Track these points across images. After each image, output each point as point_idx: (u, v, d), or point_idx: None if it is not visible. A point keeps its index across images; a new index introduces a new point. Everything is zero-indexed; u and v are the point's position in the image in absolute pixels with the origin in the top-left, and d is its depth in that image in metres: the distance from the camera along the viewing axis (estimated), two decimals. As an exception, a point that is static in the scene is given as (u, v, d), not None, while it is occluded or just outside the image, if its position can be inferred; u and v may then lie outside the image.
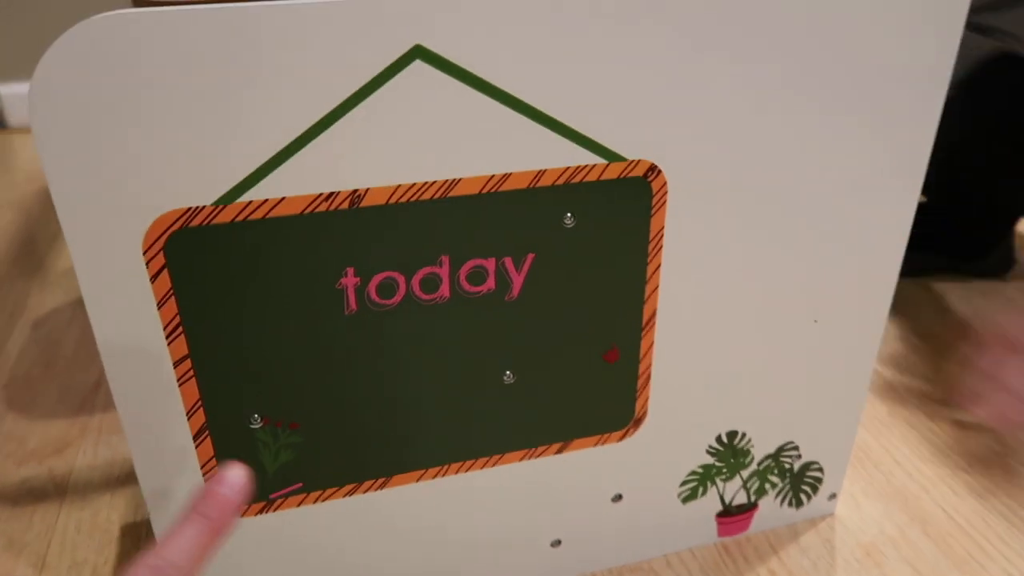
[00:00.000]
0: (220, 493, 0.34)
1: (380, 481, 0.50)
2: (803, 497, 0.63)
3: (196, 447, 0.45)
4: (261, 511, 0.48)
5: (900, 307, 0.95)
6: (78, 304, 0.99)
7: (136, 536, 0.64)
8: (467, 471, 0.52)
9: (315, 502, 0.49)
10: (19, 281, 1.05)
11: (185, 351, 0.42)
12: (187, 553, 0.32)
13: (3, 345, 0.90)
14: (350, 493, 0.50)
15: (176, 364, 0.42)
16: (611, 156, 0.44)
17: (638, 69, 0.42)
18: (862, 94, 0.46)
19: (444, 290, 0.45)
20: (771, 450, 0.59)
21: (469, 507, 0.53)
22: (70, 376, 0.85)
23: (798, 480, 0.62)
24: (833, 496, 0.64)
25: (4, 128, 1.67)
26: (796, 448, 0.60)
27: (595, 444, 0.54)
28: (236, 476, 0.35)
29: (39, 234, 1.19)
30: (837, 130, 0.47)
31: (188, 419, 0.44)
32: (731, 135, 0.45)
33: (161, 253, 0.39)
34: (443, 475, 0.51)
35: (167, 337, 0.41)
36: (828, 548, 0.62)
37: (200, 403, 0.44)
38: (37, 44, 1.60)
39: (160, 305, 0.40)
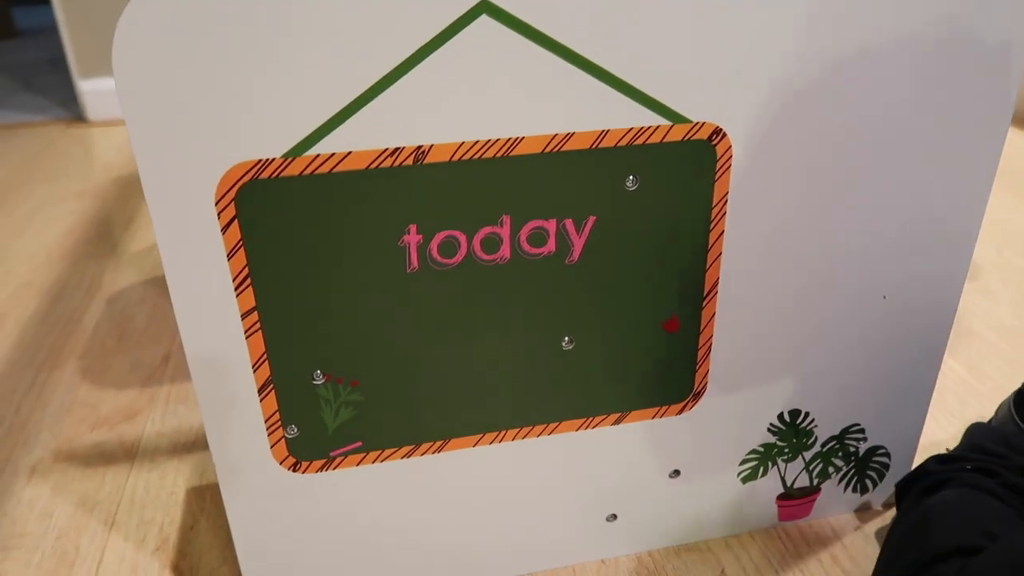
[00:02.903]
0: None
1: (437, 444, 0.50)
2: (868, 483, 0.61)
3: (260, 401, 0.46)
4: (321, 468, 0.49)
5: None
6: (150, 283, 1.03)
7: (201, 499, 0.66)
8: (523, 438, 0.52)
9: (373, 462, 0.50)
10: (95, 261, 1.09)
11: (252, 303, 0.43)
12: None
13: (80, 319, 0.94)
14: (408, 455, 0.50)
15: (244, 316, 0.43)
16: (675, 117, 0.43)
17: (705, 29, 0.41)
18: (943, 53, 0.45)
19: (505, 251, 0.45)
20: (836, 432, 0.58)
21: (525, 475, 0.53)
22: (141, 349, 0.88)
23: (863, 465, 0.60)
24: (900, 484, 0.62)
25: (84, 122, 1.74)
26: (862, 431, 0.58)
27: (653, 416, 0.53)
28: None
29: (114, 219, 1.23)
30: (914, 96, 0.46)
31: (254, 372, 0.45)
32: (800, 99, 0.44)
33: (232, 204, 0.40)
34: (499, 441, 0.51)
35: (236, 289, 0.43)
36: (894, 536, 0.60)
37: (265, 357, 0.45)
38: (116, 41, 1.66)
39: (230, 256, 0.42)
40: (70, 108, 1.83)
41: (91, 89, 1.72)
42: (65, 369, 0.84)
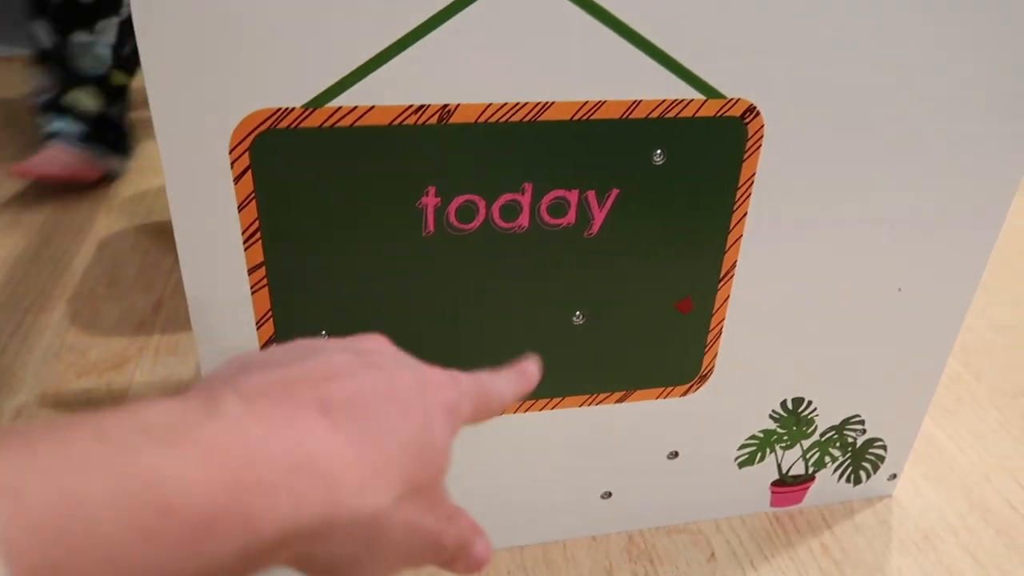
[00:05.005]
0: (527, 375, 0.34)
1: (439, 412, 0.49)
2: (862, 474, 0.61)
3: (263, 358, 0.45)
4: (320, 430, 0.48)
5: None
6: (141, 230, 1.01)
7: (189, 452, 0.65)
8: (526, 411, 0.51)
9: (374, 426, 0.49)
10: (86, 203, 1.06)
11: (261, 258, 0.42)
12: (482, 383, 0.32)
13: (70, 262, 0.92)
14: (409, 421, 0.49)
15: (251, 271, 0.42)
16: (710, 92, 0.42)
17: (748, 2, 0.40)
18: (979, 43, 0.44)
19: (523, 219, 0.44)
20: (836, 422, 0.58)
21: (523, 449, 0.53)
22: (131, 297, 0.86)
23: (859, 456, 0.60)
24: (893, 477, 0.62)
25: (77, 59, 1.69)
26: (862, 422, 0.58)
27: (657, 397, 0.52)
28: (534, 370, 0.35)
29: (107, 162, 1.21)
30: (955, 85, 0.45)
31: (257, 329, 0.44)
32: (838, 84, 0.43)
33: (247, 154, 0.39)
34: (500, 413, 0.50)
35: (244, 242, 0.41)
36: (884, 528, 0.60)
37: (270, 314, 0.44)
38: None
39: (241, 208, 0.40)
40: (63, 45, 1.78)
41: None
42: (53, 313, 0.83)
